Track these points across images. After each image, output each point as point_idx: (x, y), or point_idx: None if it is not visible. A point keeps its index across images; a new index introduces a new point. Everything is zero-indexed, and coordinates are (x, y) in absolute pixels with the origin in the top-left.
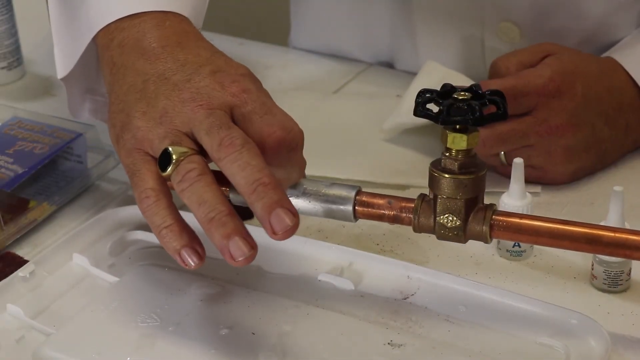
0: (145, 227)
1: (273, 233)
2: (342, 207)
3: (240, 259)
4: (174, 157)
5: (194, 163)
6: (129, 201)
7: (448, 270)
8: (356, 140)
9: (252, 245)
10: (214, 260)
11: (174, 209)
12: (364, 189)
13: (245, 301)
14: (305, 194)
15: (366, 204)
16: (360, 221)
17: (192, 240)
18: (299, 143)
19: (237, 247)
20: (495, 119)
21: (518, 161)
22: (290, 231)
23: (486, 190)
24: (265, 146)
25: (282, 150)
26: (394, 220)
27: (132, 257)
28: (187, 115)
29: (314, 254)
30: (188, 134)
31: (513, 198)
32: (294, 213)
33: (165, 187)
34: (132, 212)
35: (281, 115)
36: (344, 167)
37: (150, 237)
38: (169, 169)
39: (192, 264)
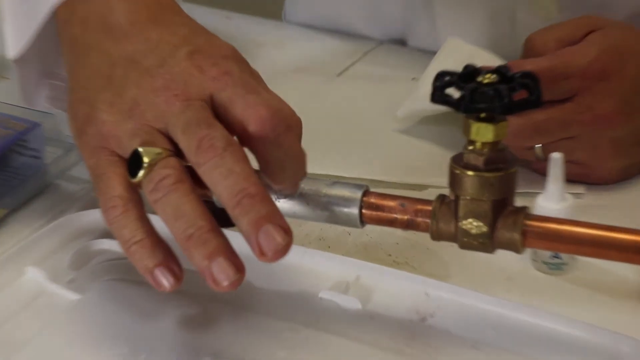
0: (112, 235)
1: (261, 254)
2: (346, 210)
3: (224, 283)
4: (145, 160)
5: (169, 168)
6: (94, 204)
7: (474, 286)
8: (364, 131)
9: (238, 267)
10: (194, 275)
11: (145, 220)
12: (372, 189)
13: (232, 324)
14: (302, 194)
15: (375, 207)
16: (369, 228)
17: (167, 257)
18: (292, 126)
19: (221, 270)
20: (527, 105)
21: (557, 156)
22: (282, 252)
23: (518, 190)
24: (248, 131)
25: (270, 135)
26: (408, 225)
27: (97, 270)
28: (161, 108)
29: (314, 266)
30: (162, 131)
31: (550, 200)
32: (286, 230)
33: (135, 195)
34: (97, 217)
35: (268, 95)
36: (349, 163)
37: (119, 247)
38: (140, 174)
39: (167, 285)
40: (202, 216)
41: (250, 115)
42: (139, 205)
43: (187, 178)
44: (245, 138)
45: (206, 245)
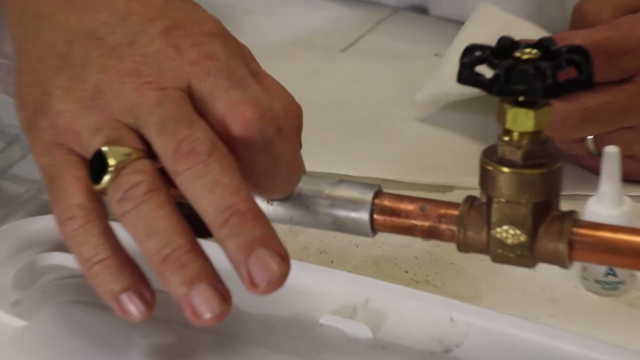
0: (67, 248)
1: (252, 285)
2: (354, 215)
3: (207, 316)
4: (111, 162)
5: (140, 173)
6: (44, 209)
7: (509, 310)
8: (375, 120)
9: (224, 295)
10: (167, 296)
11: (110, 234)
12: (386, 190)
13: (213, 356)
14: (300, 196)
15: (389, 211)
16: (381, 238)
17: (137, 279)
18: (284, 129)
19: (203, 299)
20: (576, 87)
21: (612, 150)
22: (277, 282)
23: (564, 192)
24: (231, 134)
25: (257, 140)
26: (430, 234)
27: (48, 291)
28: (130, 98)
29: (314, 286)
30: (131, 126)
31: (604, 204)
32: (283, 256)
33: (98, 204)
34: (47, 224)
35: (257, 88)
36: (357, 159)
37: (76, 262)
38: (105, 180)
39: (137, 313)
40: (181, 233)
41: (234, 115)
42: (102, 216)
43: (163, 186)
44: (226, 142)
45: (185, 269)
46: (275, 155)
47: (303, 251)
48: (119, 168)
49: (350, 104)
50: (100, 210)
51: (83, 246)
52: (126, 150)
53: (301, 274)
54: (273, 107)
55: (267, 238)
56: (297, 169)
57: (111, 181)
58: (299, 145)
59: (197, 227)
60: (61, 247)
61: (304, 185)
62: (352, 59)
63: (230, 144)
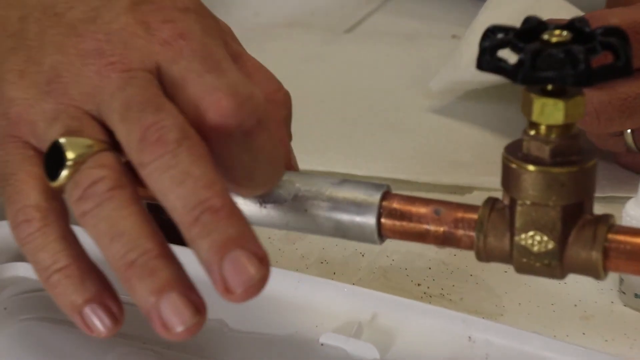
0: None
1: (226, 291)
2: (359, 219)
3: (178, 329)
4: (69, 156)
5: (102, 168)
6: (1, 213)
7: (535, 327)
8: (383, 111)
9: (198, 306)
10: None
11: (71, 239)
12: (395, 191)
13: None
14: (298, 197)
15: (399, 215)
16: (391, 245)
17: (102, 290)
18: (264, 121)
19: (174, 310)
20: (612, 74)
21: None
22: (255, 288)
23: (598, 193)
24: (204, 124)
25: (234, 132)
26: (445, 241)
27: (9, 307)
28: (91, 82)
29: (314, 300)
30: (93, 114)
31: None
32: (261, 258)
33: (57, 204)
34: (6, 232)
35: (235, 74)
36: (363, 156)
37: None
38: (62, 176)
39: (102, 328)
40: (149, 236)
41: (208, 103)
42: (61, 218)
43: (129, 182)
44: (200, 132)
45: (154, 277)
46: (254, 150)
47: (301, 261)
48: (79, 162)
49: (355, 93)
50: (60, 211)
51: (40, 253)
52: (87, 141)
53: (299, 287)
54: (253, 96)
55: (243, 238)
56: (279, 164)
57: (69, 177)
58: (287, 137)
59: (169, 231)
60: (23, 257)
61: (302, 186)
62: (358, 41)
63: (204, 137)
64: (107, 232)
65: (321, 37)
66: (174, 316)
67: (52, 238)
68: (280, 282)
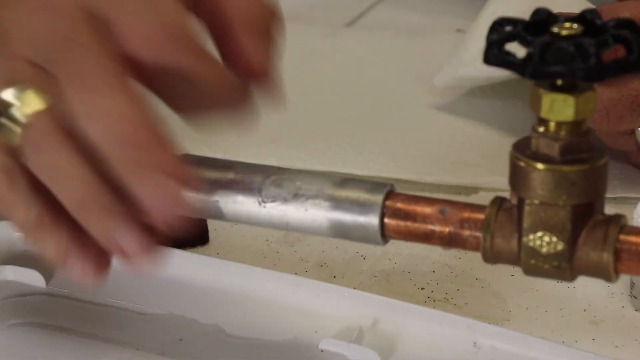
0: (21, 260)
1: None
2: (361, 219)
3: (135, 248)
4: (19, 113)
5: (49, 118)
6: None
7: (543, 333)
8: (385, 108)
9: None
10: (137, 317)
11: (44, 189)
12: (399, 190)
13: None
14: (297, 196)
15: (403, 214)
16: (393, 248)
17: (84, 232)
18: (195, 50)
19: (131, 236)
20: (625, 69)
21: None
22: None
23: (609, 194)
24: (132, 58)
25: (165, 64)
26: (451, 242)
27: None
28: (34, 31)
29: (313, 305)
30: (40, 65)
31: None
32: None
33: (17, 158)
34: None
35: (167, 5)
36: (365, 155)
37: (30, 277)
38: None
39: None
40: (96, 178)
41: (137, 38)
42: (25, 171)
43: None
44: (131, 66)
45: (108, 211)
46: (193, 80)
47: (300, 264)
48: (31, 116)
49: (356, 90)
50: (21, 165)
51: (16, 206)
52: (33, 93)
53: (298, 292)
54: (183, 26)
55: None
56: (225, 87)
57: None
58: (272, 51)
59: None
60: (13, 259)
61: (302, 185)
62: (359, 36)
63: (136, 68)
64: (55, 176)
65: (321, 31)
66: (132, 241)
67: (21, 190)
68: (278, 286)
